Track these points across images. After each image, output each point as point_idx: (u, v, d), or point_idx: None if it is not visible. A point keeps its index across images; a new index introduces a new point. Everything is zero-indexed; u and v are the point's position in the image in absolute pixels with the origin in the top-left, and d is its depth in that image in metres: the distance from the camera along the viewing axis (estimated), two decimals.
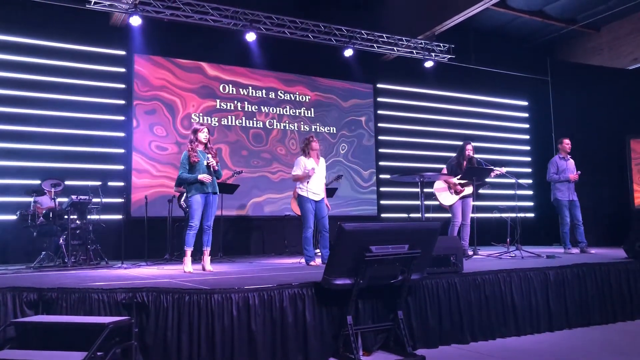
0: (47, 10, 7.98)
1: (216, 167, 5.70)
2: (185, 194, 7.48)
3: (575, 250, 7.49)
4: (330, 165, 9.83)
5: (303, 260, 6.60)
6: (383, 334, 4.13)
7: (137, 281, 4.47)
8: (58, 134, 8.16)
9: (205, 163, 5.62)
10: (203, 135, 5.73)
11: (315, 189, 6.30)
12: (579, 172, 7.71)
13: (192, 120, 9.14)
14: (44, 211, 6.98)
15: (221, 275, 5.15)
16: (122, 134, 8.71)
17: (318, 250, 6.97)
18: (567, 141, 7.89)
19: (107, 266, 6.58)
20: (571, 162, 7.83)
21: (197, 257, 5.90)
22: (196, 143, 5.72)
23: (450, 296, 4.46)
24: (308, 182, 6.24)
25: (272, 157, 9.85)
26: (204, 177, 5.54)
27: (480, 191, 7.68)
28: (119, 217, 8.33)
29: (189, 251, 5.61)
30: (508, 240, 7.62)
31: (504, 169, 7.12)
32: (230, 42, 9.20)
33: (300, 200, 6.34)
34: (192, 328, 3.57)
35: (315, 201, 6.33)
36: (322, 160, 6.53)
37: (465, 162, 7.16)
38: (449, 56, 10.63)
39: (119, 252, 6.97)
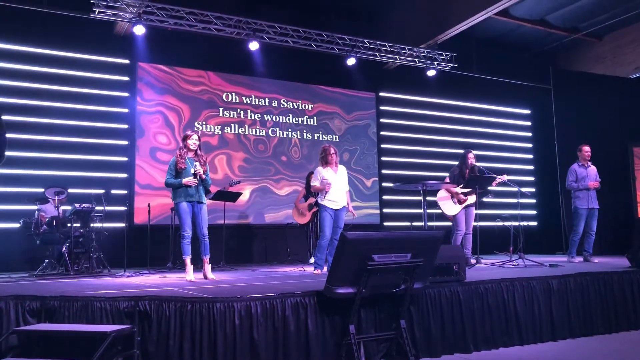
0: (52, 19, 8.06)
1: (204, 176, 5.60)
2: None
3: (579, 259, 7.46)
4: None
5: (305, 269, 6.61)
6: (386, 343, 4.12)
7: (140, 289, 4.47)
8: (62, 142, 8.20)
9: (192, 171, 5.53)
10: (192, 142, 5.64)
11: (333, 197, 6.27)
12: (599, 180, 7.62)
13: (195, 129, 9.16)
14: (47, 219, 6.99)
15: (223, 283, 5.15)
16: (125, 142, 8.74)
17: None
18: (586, 148, 7.70)
19: (109, 274, 6.59)
20: (592, 169, 7.68)
21: (199, 266, 5.90)
22: (185, 150, 5.65)
23: (453, 305, 4.44)
24: (327, 192, 6.25)
25: (274, 166, 9.86)
26: (188, 180, 5.46)
27: (485, 199, 7.66)
28: (122, 225, 8.33)
29: (187, 259, 5.60)
30: (511, 248, 7.59)
31: (505, 177, 7.11)
32: (234, 51, 9.25)
33: (320, 208, 6.33)
34: (194, 336, 3.57)
35: (334, 210, 6.31)
36: (341, 168, 6.48)
37: (467, 171, 7.16)
38: (451, 65, 10.65)
39: (122, 260, 6.98)
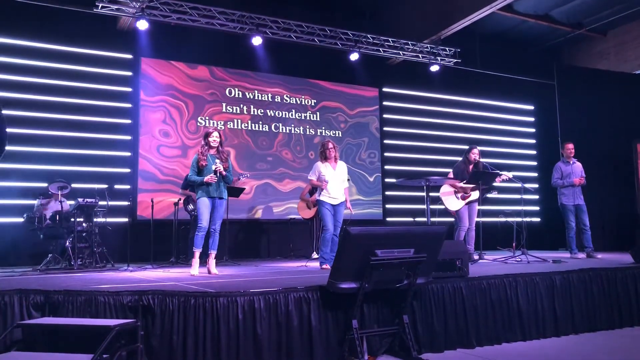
0: (55, 13, 8.05)
1: (224, 173, 5.70)
2: (189, 197, 7.54)
3: (582, 255, 7.45)
4: None
5: (308, 264, 6.60)
6: (388, 338, 4.12)
7: (143, 284, 4.48)
8: (65, 136, 8.21)
9: (213, 168, 5.63)
10: (212, 139, 5.76)
11: (332, 193, 6.29)
12: (584, 176, 7.66)
13: (199, 124, 9.17)
14: (50, 214, 7.01)
15: (226, 278, 5.15)
16: (128, 137, 8.75)
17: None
18: (569, 146, 7.84)
19: (113, 269, 6.60)
20: (577, 165, 7.77)
21: (202, 260, 5.91)
22: (206, 147, 5.77)
23: (455, 300, 4.44)
24: (324, 188, 6.26)
25: (277, 161, 9.86)
26: (209, 177, 5.58)
27: (488, 195, 7.65)
28: (125, 220, 8.31)
29: (197, 253, 5.66)
30: (514, 244, 7.59)
31: (510, 174, 7.09)
32: (237, 46, 9.24)
33: (319, 203, 6.37)
34: (197, 331, 3.58)
35: (333, 205, 6.33)
36: (340, 163, 6.49)
37: (471, 167, 7.14)
38: (455, 60, 10.63)
39: (125, 255, 7.01)
